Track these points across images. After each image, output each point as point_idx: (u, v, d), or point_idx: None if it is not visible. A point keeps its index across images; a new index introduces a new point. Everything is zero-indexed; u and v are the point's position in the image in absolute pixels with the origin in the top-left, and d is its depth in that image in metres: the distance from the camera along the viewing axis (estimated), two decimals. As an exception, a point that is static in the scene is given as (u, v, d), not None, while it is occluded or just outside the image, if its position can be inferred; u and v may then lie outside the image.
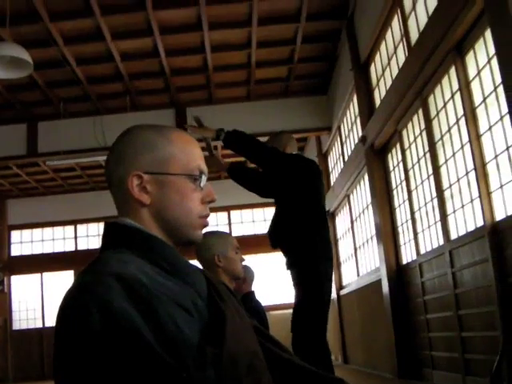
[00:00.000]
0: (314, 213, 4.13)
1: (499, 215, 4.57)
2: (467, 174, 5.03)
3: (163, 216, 1.29)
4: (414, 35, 5.90)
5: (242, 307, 1.43)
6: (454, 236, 5.42)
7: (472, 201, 4.97)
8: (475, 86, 4.87)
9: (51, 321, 13.66)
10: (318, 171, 4.31)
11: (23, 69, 6.80)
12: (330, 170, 11.12)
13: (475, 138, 4.84)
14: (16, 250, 14.50)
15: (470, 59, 4.93)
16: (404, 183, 6.80)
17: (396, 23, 6.53)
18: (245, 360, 1.16)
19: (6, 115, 10.29)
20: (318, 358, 3.89)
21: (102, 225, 13.92)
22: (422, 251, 6.32)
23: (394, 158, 7.24)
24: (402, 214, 7.03)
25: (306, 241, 4.05)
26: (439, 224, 5.74)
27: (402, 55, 6.39)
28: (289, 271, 4.16)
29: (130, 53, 8.72)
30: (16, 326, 14.03)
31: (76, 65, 8.81)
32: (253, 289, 4.99)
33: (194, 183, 1.32)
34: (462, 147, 5.10)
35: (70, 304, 1.11)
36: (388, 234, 7.27)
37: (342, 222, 10.90)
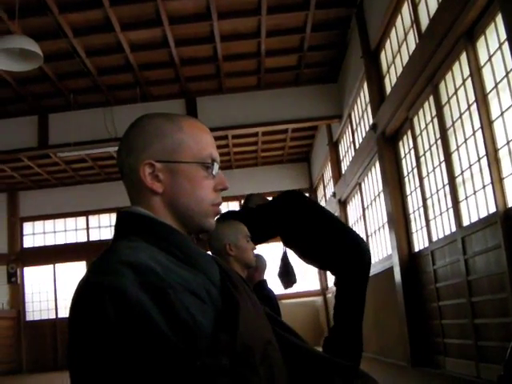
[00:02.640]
0: (329, 228, 4.58)
1: (512, 201, 4.56)
2: (479, 160, 5.01)
3: (175, 204, 1.29)
4: (425, 21, 5.86)
5: (254, 295, 1.42)
6: (466, 223, 5.40)
7: (484, 187, 4.95)
8: (486, 72, 4.84)
9: (64, 312, 13.76)
10: (301, 194, 4.89)
11: (33, 61, 6.81)
12: (341, 158, 11.10)
13: (487, 124, 4.81)
14: (28, 242, 14.59)
15: (481, 45, 4.90)
16: (416, 170, 6.78)
17: (406, 10, 6.50)
18: (259, 348, 1.16)
19: (17, 108, 10.33)
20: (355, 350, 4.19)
21: (113, 215, 13.99)
22: (434, 238, 6.30)
23: (405, 145, 7.22)
24: (413, 201, 7.01)
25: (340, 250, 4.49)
26: (451, 211, 5.72)
27: (412, 42, 6.35)
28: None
29: (139, 43, 8.72)
30: (29, 317, 14.13)
31: (86, 56, 8.82)
32: (265, 277, 4.99)
33: (206, 171, 1.31)
34: (474, 133, 5.07)
35: (84, 293, 1.11)
36: (400, 221, 7.26)
37: (353, 210, 10.89)
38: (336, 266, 4.48)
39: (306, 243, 4.59)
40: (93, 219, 14.66)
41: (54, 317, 14.05)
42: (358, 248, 4.47)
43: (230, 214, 4.68)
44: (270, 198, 4.90)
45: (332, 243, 4.47)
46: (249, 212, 4.70)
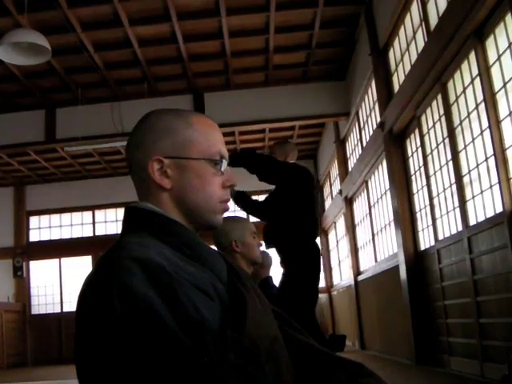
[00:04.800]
0: (305, 215, 4.78)
1: (519, 201, 4.54)
2: (486, 159, 5.00)
3: (184, 200, 1.29)
4: (434, 20, 5.85)
5: (261, 292, 1.42)
6: (472, 222, 5.39)
7: (491, 187, 4.94)
8: (495, 71, 4.82)
9: (69, 306, 13.84)
10: (311, 177, 4.98)
11: (41, 55, 6.83)
12: (348, 155, 11.09)
13: (495, 123, 4.79)
14: (34, 236, 14.62)
15: (490, 44, 4.88)
16: (422, 169, 6.76)
17: (415, 8, 6.48)
18: (265, 345, 1.16)
19: (25, 101, 10.35)
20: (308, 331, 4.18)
21: (119, 210, 14.04)
22: (441, 237, 6.29)
23: (412, 144, 7.20)
24: (420, 200, 7.00)
25: (293, 240, 4.72)
26: (458, 210, 5.70)
27: (421, 40, 6.34)
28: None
29: (147, 38, 8.72)
30: (35, 310, 14.17)
31: (94, 51, 8.83)
32: (270, 274, 5.00)
33: (215, 167, 1.31)
34: (482, 133, 5.06)
35: (91, 289, 1.11)
36: (406, 219, 7.24)
37: (359, 208, 10.87)
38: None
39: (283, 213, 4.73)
40: (99, 214, 14.68)
41: (60, 311, 14.09)
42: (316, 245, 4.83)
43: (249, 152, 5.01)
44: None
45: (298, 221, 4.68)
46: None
